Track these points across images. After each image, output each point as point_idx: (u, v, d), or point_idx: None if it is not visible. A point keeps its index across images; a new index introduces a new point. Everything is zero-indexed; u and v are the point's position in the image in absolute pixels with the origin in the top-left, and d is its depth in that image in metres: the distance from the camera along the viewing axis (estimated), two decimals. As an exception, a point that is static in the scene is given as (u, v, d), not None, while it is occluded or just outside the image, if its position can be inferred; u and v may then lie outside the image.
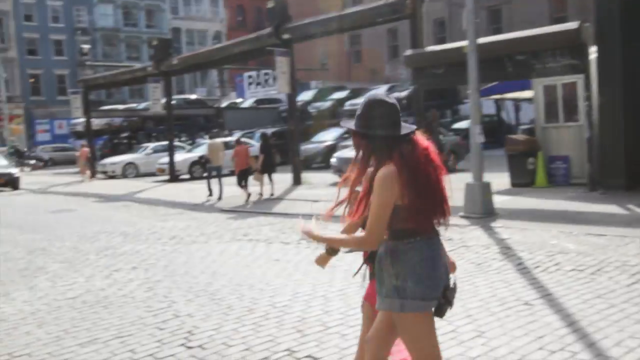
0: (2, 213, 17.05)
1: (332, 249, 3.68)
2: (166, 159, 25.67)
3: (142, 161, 29.86)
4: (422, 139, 3.19)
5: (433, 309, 3.22)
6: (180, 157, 26.05)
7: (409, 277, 3.10)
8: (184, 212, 15.23)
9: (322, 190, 17.01)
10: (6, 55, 53.74)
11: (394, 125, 3.15)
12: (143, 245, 10.58)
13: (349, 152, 19.47)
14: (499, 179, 13.92)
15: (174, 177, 24.77)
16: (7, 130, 44.49)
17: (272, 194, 16.63)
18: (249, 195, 16.28)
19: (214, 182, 17.54)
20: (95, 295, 7.25)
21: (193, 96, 47.79)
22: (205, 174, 19.31)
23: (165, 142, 28.04)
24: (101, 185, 25.40)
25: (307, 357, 4.96)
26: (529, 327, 5.27)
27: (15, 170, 28.69)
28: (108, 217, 14.98)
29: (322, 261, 3.78)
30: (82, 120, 36.83)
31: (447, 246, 8.50)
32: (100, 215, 15.36)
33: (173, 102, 28.23)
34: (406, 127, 3.16)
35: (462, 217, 11.01)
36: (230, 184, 17.69)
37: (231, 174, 16.87)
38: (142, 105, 42.61)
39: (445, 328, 5.35)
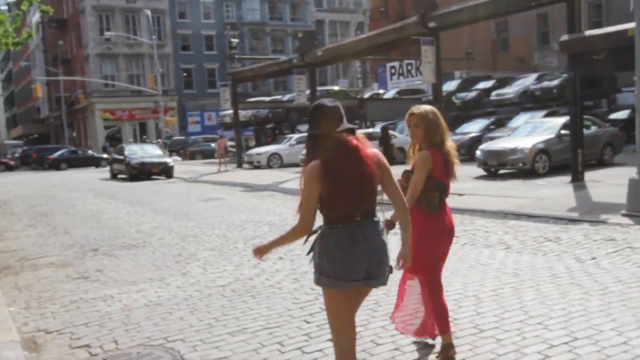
0: (158, 200, 18.06)
1: (391, 223, 4.08)
2: (309, 150, 25.99)
3: (286, 152, 30.53)
4: (351, 139, 3.52)
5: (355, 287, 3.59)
6: (323, 148, 26.28)
7: (326, 256, 3.51)
8: (327, 202, 15.29)
9: (466, 184, 16.45)
10: (162, 51, 57.02)
11: (324, 125, 3.51)
12: (289, 235, 10.67)
13: (495, 145, 18.72)
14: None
15: (317, 168, 25.02)
16: (162, 121, 47.21)
17: None
18: None
19: None
20: (244, 285, 7.36)
21: (336, 87, 48.19)
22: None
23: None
24: (247, 175, 26.24)
25: (460, 361, 4.69)
26: None
27: (169, 160, 30.42)
28: (254, 206, 15.36)
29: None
30: (229, 111, 38.31)
31: (609, 247, 7.90)
32: (247, 205, 15.79)
33: (317, 93, 28.53)
34: (344, 126, 3.53)
35: (624, 215, 10.17)
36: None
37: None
38: (286, 97, 43.61)
39: (615, 339, 4.87)
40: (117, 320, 6.29)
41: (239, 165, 32.05)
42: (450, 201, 11.70)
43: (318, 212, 3.60)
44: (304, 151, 3.59)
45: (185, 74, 61.37)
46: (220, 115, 47.04)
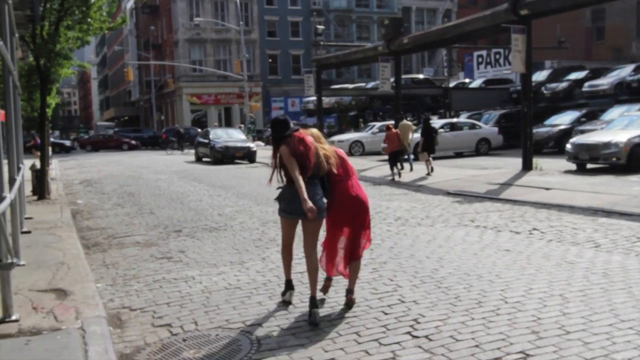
0: (240, 184, 18.32)
1: None
2: (392, 138, 25.76)
3: (368, 140, 30.34)
4: (298, 134, 5.84)
5: (297, 218, 5.96)
6: (405, 136, 25.97)
7: (283, 201, 5.96)
8: (409, 192, 15.12)
9: (554, 177, 15.88)
10: (249, 37, 57.85)
11: (277, 130, 5.85)
12: (368, 224, 10.61)
13: (588, 138, 17.96)
14: None
15: (399, 157, 24.77)
16: (247, 107, 47.93)
17: (429, 173, 18.19)
18: (398, 174, 18.09)
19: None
20: (322, 272, 7.31)
21: (421, 76, 47.53)
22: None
23: (392, 122, 28.17)
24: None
25: (544, 363, 4.49)
26: None
27: (252, 144, 30.82)
28: (335, 193, 15.32)
29: None
30: (313, 98, 38.45)
31: None
32: (327, 191, 15.76)
33: (401, 81, 28.17)
34: (291, 130, 5.84)
35: None
36: (442, 165, 17.18)
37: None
38: (370, 85, 43.35)
39: None
40: (198, 301, 6.40)
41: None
42: (537, 196, 11.42)
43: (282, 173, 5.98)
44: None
45: (270, 60, 62.01)
46: (304, 102, 47.31)
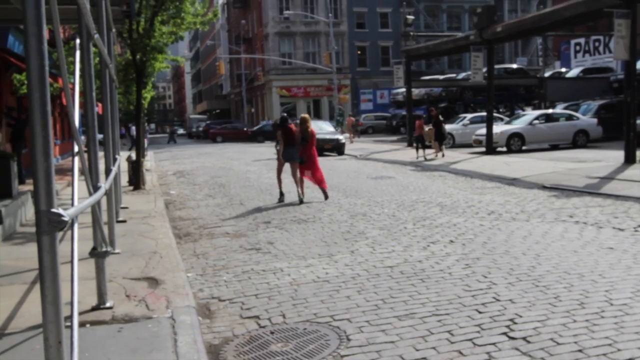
0: (328, 177, 18.23)
1: None
2: (483, 130, 25.09)
3: (459, 132, 29.69)
4: (290, 125, 13.52)
5: (290, 162, 13.37)
6: (498, 129, 25.23)
7: (282, 153, 13.33)
8: (502, 186, 14.60)
9: (660, 171, 14.93)
10: (338, 29, 57.82)
11: (281, 122, 13.77)
12: (460, 218, 10.29)
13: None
14: None
15: (491, 149, 24.10)
16: (336, 99, 47.94)
17: (442, 155, 23.58)
18: (423, 156, 23.40)
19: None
20: (413, 267, 7.13)
21: (514, 65, 46.03)
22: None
23: (483, 113, 27.44)
24: (414, 154, 25.78)
25: (657, 372, 4.13)
26: None
27: (341, 137, 30.74)
28: (424, 186, 15.04)
29: None
30: (402, 90, 37.97)
31: None
32: (416, 185, 15.50)
33: (494, 72, 27.34)
34: (288, 122, 13.72)
35: None
36: (536, 158, 16.38)
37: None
38: (461, 76, 42.39)
39: None
40: (286, 294, 6.34)
41: (410, 144, 31.68)
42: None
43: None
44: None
45: (359, 52, 61.78)
46: (393, 94, 46.85)
